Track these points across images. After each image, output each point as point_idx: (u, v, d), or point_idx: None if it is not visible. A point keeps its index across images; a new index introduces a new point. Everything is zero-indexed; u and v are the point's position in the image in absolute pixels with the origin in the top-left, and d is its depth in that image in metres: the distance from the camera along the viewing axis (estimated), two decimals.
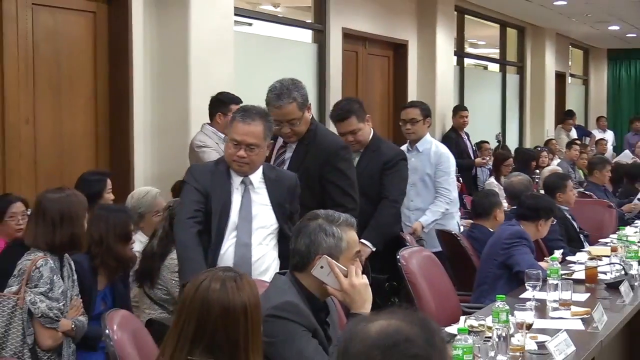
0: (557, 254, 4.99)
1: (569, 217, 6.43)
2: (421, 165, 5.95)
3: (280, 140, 4.51)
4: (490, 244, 5.12)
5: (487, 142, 10.98)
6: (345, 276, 2.93)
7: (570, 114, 14.68)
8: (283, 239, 3.84)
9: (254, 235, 3.84)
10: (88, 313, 3.99)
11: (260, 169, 3.94)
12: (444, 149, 6.06)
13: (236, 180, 3.89)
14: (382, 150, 5.07)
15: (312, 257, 2.94)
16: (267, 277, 3.70)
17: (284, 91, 4.29)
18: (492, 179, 9.18)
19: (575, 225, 6.46)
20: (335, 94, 8.28)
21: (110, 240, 4.21)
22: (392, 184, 4.98)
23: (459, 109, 10.24)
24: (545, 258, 5.11)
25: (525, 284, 4.30)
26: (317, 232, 2.95)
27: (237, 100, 5.60)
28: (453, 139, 9.87)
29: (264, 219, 3.87)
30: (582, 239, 6.36)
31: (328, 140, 4.45)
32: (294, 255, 2.98)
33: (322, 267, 2.92)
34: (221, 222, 3.82)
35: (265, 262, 3.85)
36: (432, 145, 6.01)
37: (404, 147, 5.90)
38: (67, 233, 3.80)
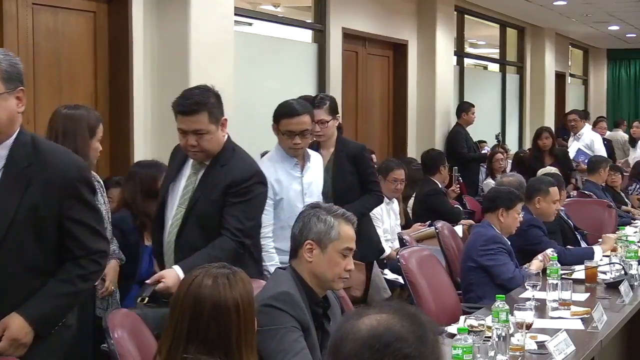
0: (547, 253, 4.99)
1: (564, 216, 6.42)
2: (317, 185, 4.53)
3: None
4: (467, 250, 5.12)
5: (484, 142, 10.98)
6: None
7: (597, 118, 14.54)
8: None
9: None
10: (135, 267, 4.19)
11: None
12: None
13: None
14: (234, 166, 3.66)
15: (302, 240, 3.03)
16: None
17: None
18: (489, 179, 9.20)
19: (572, 225, 6.44)
20: (335, 94, 8.22)
21: (137, 199, 4.36)
22: (235, 215, 3.57)
23: (469, 106, 10.20)
24: (537, 256, 5.11)
25: (525, 284, 4.32)
26: (310, 217, 3.05)
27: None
28: (463, 134, 9.88)
29: None
30: (580, 239, 6.34)
31: (61, 158, 2.85)
32: (292, 240, 3.07)
33: None
34: None
35: None
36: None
37: (316, 158, 4.50)
38: (71, 148, 3.38)
